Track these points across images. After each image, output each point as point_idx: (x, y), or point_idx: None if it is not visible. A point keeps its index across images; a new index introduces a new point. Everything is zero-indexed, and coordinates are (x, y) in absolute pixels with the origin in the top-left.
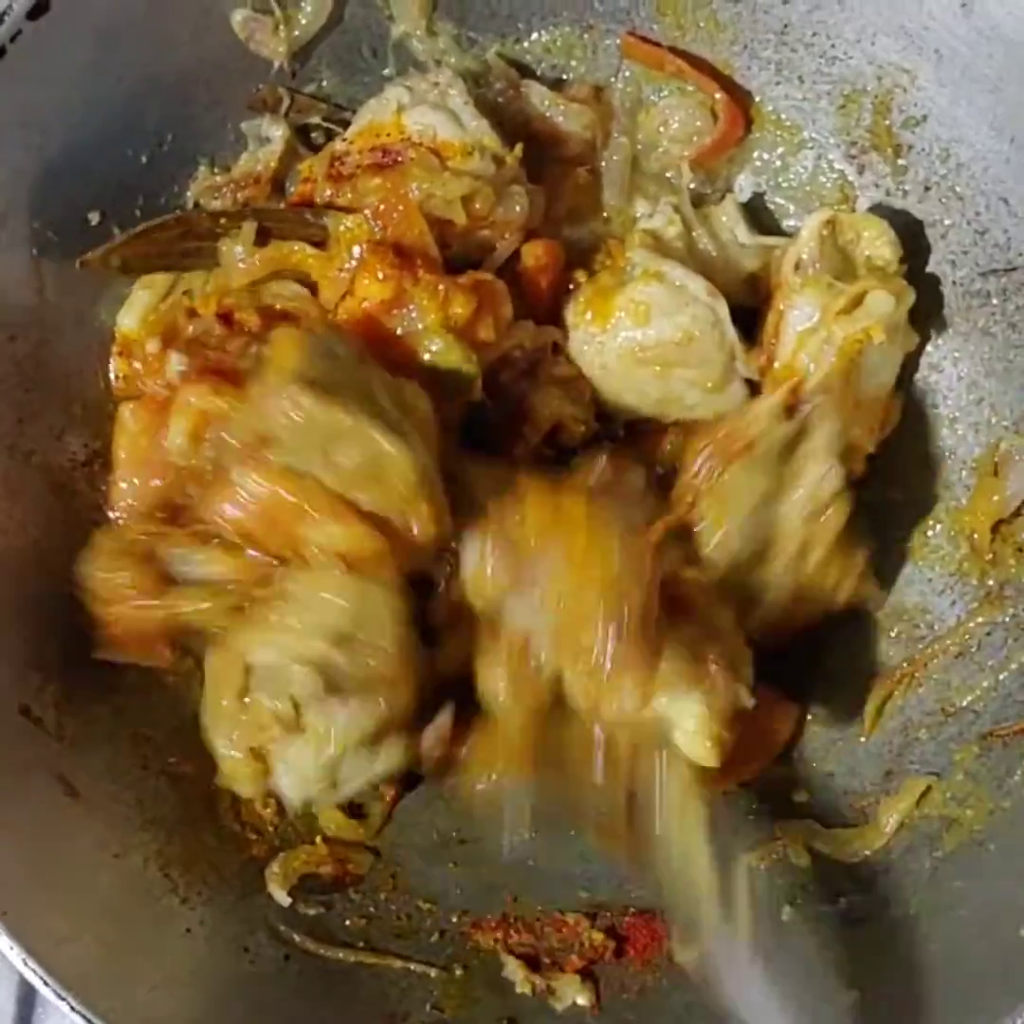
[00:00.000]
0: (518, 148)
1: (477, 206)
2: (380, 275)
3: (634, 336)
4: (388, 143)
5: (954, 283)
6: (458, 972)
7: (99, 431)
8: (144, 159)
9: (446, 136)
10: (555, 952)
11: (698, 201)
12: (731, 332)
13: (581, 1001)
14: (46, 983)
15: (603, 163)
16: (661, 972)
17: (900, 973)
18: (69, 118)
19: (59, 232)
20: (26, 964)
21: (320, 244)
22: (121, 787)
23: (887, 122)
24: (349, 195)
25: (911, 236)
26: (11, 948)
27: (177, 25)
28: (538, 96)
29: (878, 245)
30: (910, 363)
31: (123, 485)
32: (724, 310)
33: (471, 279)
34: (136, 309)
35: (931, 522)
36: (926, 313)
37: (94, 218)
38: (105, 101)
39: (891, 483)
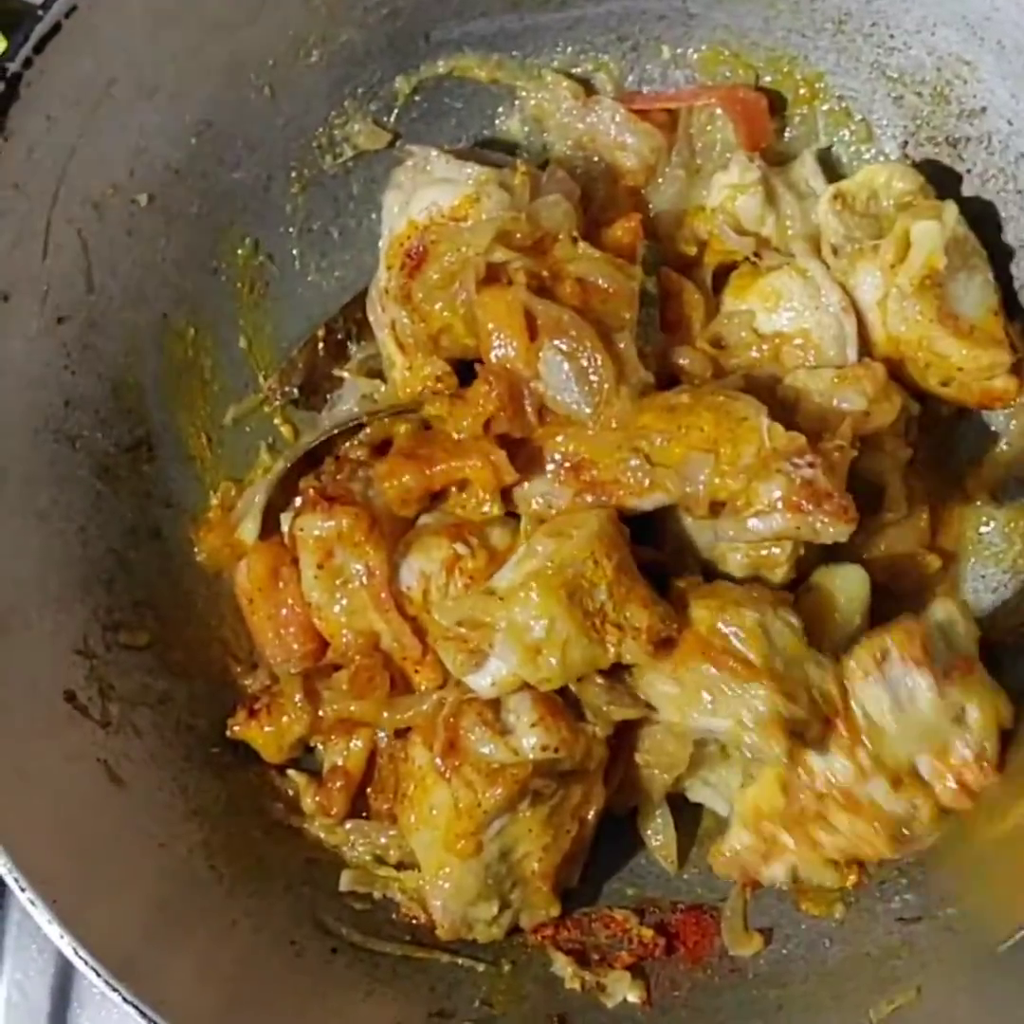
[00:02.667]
0: (519, 163)
1: (518, 236)
2: None
3: (757, 313)
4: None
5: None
6: (507, 967)
7: (143, 417)
8: (193, 141)
9: (448, 202)
10: (604, 949)
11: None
12: (852, 353)
13: (632, 998)
14: (99, 974)
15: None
16: (713, 969)
17: (959, 974)
18: (120, 97)
19: (107, 213)
20: (77, 954)
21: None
22: (165, 776)
23: (945, 113)
24: None
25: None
26: (61, 937)
27: (231, 8)
28: (609, 112)
29: (895, 186)
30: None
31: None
32: (852, 327)
33: None
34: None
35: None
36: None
37: (142, 200)
38: (156, 81)
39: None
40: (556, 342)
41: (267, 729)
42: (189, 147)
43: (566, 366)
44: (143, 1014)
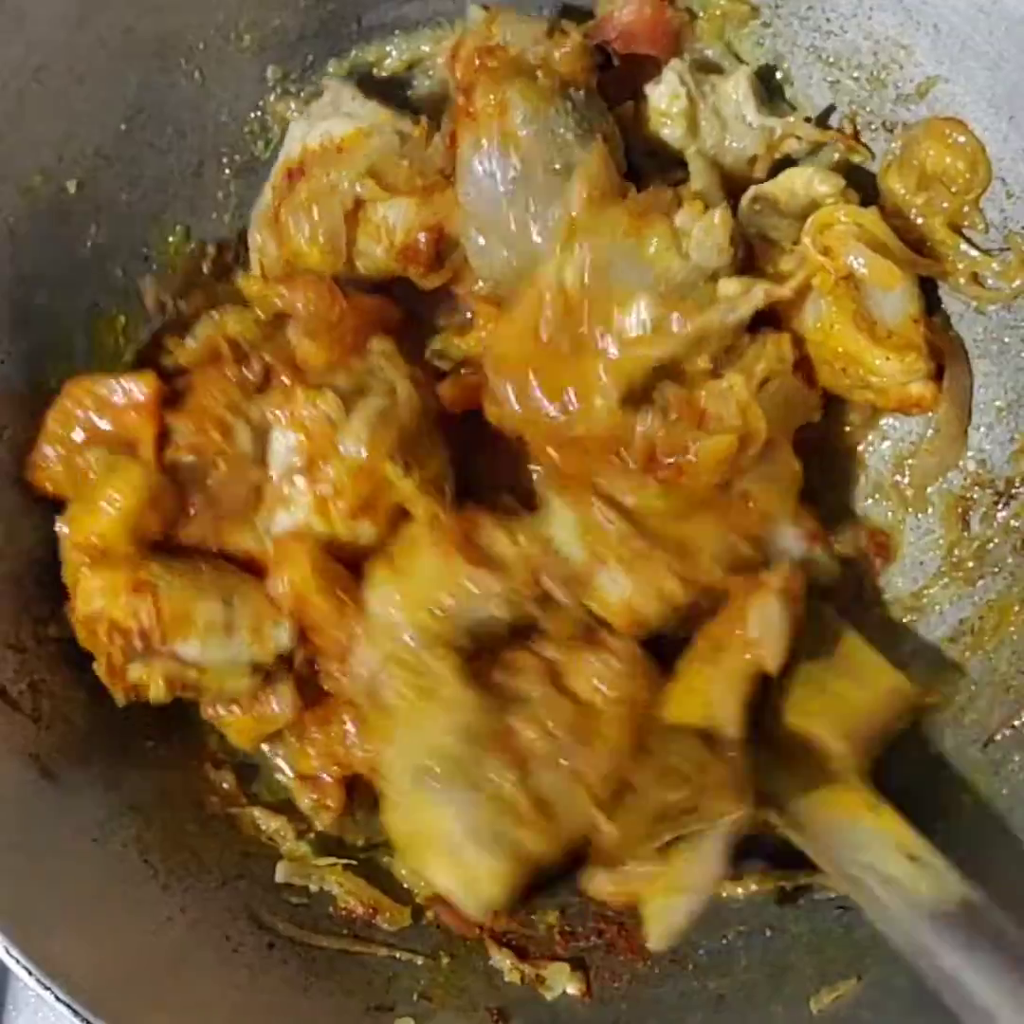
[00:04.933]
0: (423, 119)
1: (390, 179)
2: None
3: None
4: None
5: None
6: (445, 961)
7: None
8: (122, 127)
9: (341, 132)
10: (542, 940)
11: (709, 68)
12: None
13: (571, 990)
14: (31, 973)
15: None
16: (653, 960)
17: (899, 961)
18: (49, 83)
19: (35, 200)
20: (8, 953)
21: None
22: (98, 770)
23: (881, 98)
24: None
25: None
26: None
27: None
28: None
29: (816, 188)
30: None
31: None
32: None
33: None
34: None
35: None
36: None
37: (71, 186)
38: (85, 67)
39: None
40: None
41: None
42: (118, 133)
43: None
44: (76, 1013)
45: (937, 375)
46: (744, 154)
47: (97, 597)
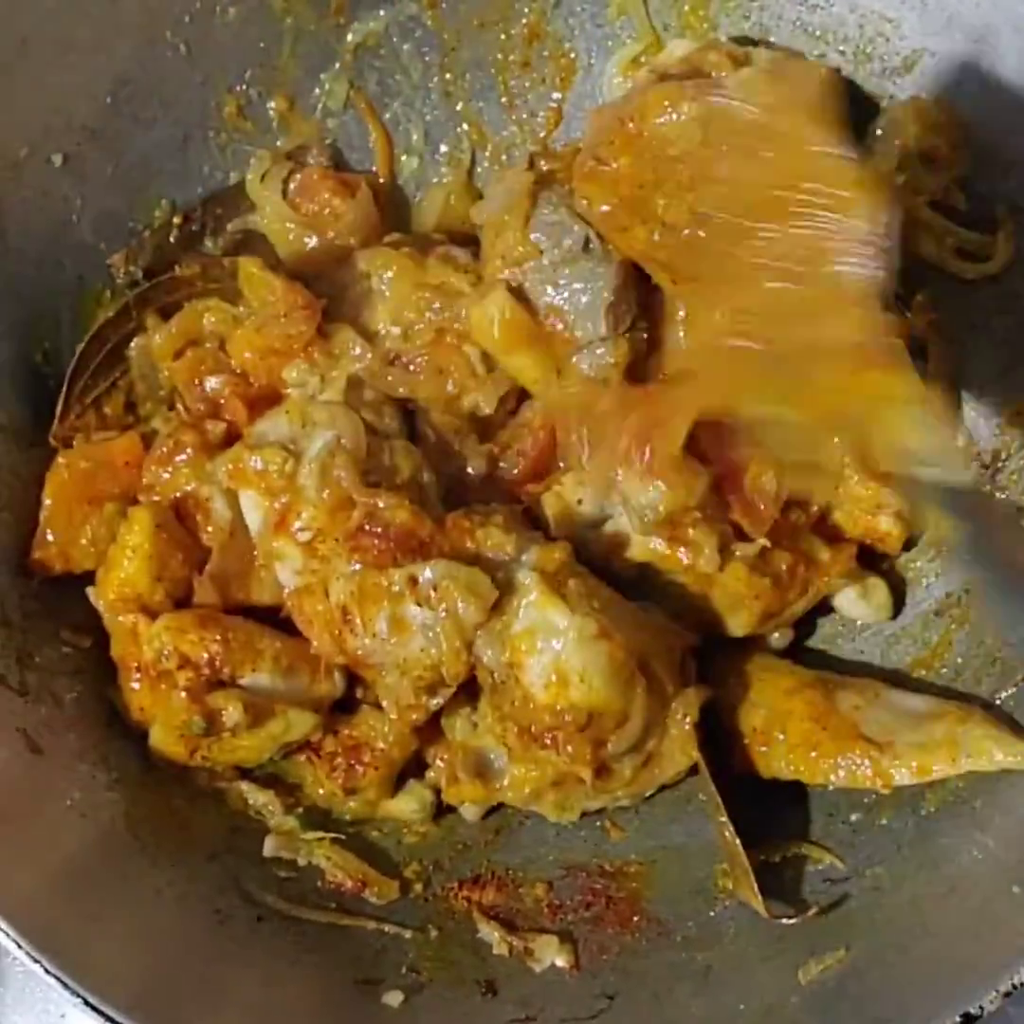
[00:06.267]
0: None
1: None
2: None
3: None
4: None
5: None
6: (433, 934)
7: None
8: (108, 100)
9: None
10: (530, 913)
11: None
12: None
13: (560, 963)
14: (20, 945)
15: None
16: (641, 933)
17: (886, 932)
18: (34, 56)
19: (21, 174)
20: None
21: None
22: (86, 745)
23: (867, 72)
24: None
25: None
26: None
27: None
28: None
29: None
30: None
31: None
32: None
33: None
34: None
35: None
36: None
37: (57, 160)
38: (71, 39)
39: None
40: None
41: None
42: (104, 106)
43: None
44: (66, 986)
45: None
46: None
47: (162, 636)
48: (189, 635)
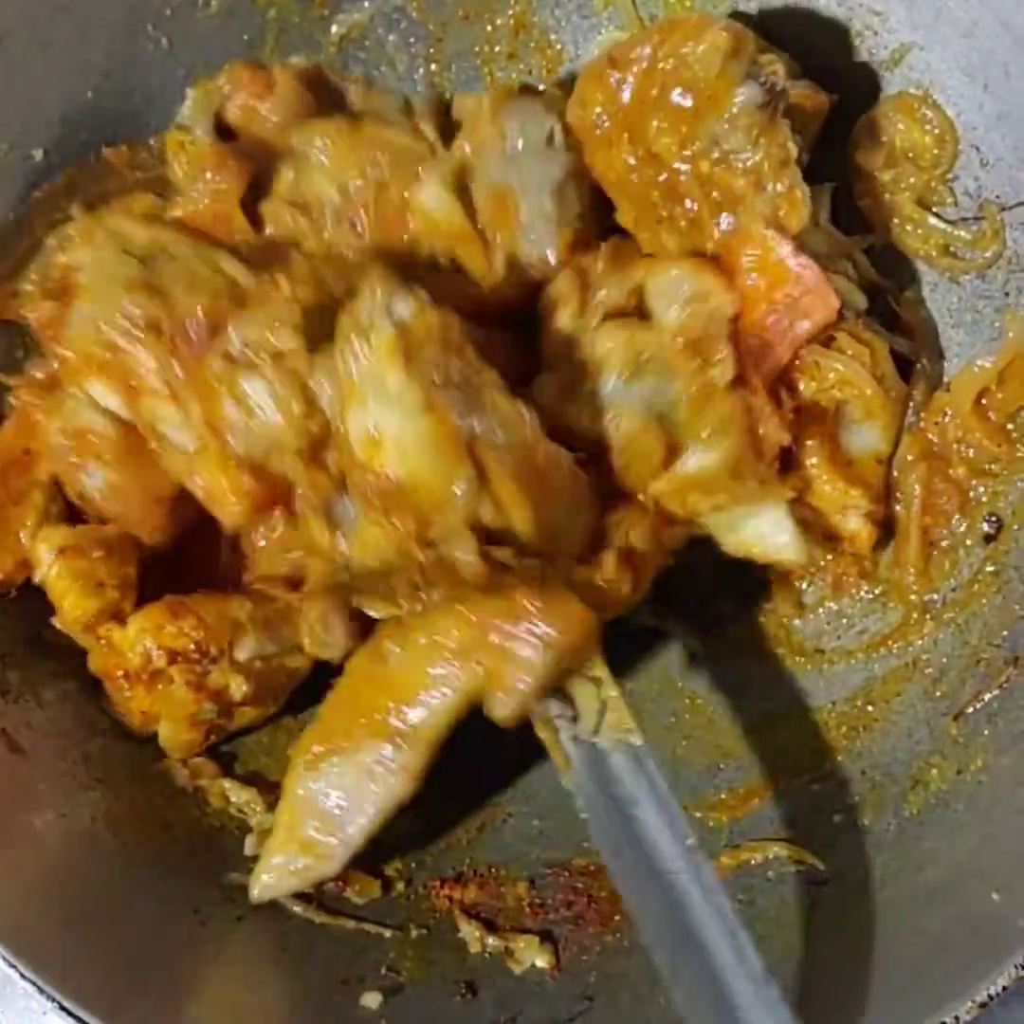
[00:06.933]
0: None
1: None
2: None
3: None
4: None
5: None
6: (414, 933)
7: None
8: (89, 94)
9: None
10: (512, 912)
11: None
12: None
13: (540, 963)
14: None
15: None
16: (622, 933)
17: (865, 936)
18: (13, 50)
19: (2, 169)
20: None
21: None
22: (67, 744)
23: (854, 65)
24: None
25: None
26: None
27: None
28: None
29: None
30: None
31: None
32: None
33: None
34: None
35: None
36: (894, 261)
37: (37, 155)
38: (50, 34)
39: None
40: None
41: None
42: (85, 100)
43: None
44: (41, 990)
45: (880, 523)
46: None
47: (142, 639)
48: (166, 629)
